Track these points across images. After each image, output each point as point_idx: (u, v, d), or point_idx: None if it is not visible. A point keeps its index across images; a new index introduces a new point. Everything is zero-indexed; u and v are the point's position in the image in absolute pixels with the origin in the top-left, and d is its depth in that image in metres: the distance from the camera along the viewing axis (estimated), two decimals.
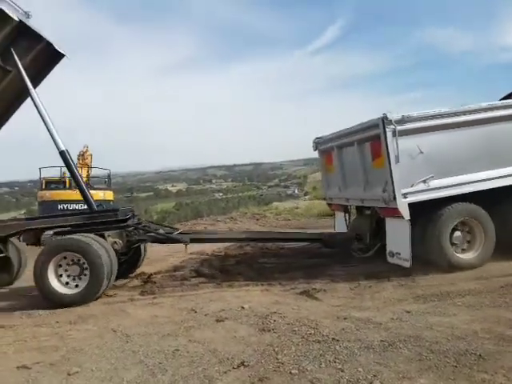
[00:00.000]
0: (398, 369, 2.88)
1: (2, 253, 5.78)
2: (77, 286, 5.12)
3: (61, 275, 5.12)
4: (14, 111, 6.45)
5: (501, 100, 6.72)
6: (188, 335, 3.84)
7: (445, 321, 3.76)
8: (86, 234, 5.24)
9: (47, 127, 5.91)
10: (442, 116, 5.57)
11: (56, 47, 5.89)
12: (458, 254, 5.61)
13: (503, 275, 5.05)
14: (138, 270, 6.60)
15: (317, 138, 7.55)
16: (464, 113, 5.65)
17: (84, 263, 5.06)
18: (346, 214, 7.32)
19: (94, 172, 18.12)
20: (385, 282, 5.23)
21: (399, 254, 5.52)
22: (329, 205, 8.05)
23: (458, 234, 5.67)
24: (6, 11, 5.09)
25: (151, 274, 6.49)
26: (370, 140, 5.87)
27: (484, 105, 5.74)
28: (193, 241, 6.23)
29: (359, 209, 7.08)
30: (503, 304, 4.10)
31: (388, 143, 5.34)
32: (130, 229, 5.76)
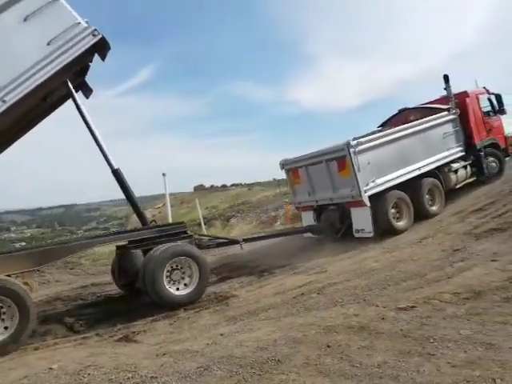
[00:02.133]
0: None
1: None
2: (185, 284, 6.08)
3: (172, 279, 5.97)
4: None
5: (378, 127, 11.37)
6: None
7: (252, 336, 4.28)
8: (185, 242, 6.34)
9: (100, 147, 6.32)
10: (374, 138, 8.89)
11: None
12: (395, 222, 8.83)
13: (295, 287, 6.07)
14: None
15: (283, 160, 10.17)
16: (385, 135, 9.05)
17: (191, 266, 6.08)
18: (315, 212, 9.97)
19: None
20: (202, 311, 5.58)
21: (363, 229, 8.55)
22: (297, 208, 10.84)
23: (393, 210, 8.88)
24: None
25: None
26: (337, 158, 8.70)
27: (397, 128, 9.38)
28: (246, 240, 7.90)
29: (323, 207, 9.76)
30: (295, 312, 4.94)
31: (352, 159, 8.30)
32: (197, 237, 6.97)
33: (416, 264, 6.28)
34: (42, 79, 5.49)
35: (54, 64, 5.56)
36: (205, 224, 19.02)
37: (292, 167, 10.09)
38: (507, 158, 11.51)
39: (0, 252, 6.03)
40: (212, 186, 71.22)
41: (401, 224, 8.96)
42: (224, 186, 66.55)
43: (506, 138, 11.52)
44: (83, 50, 5.79)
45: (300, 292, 5.76)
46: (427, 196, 9.55)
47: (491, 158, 10.92)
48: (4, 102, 5.21)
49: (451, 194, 10.29)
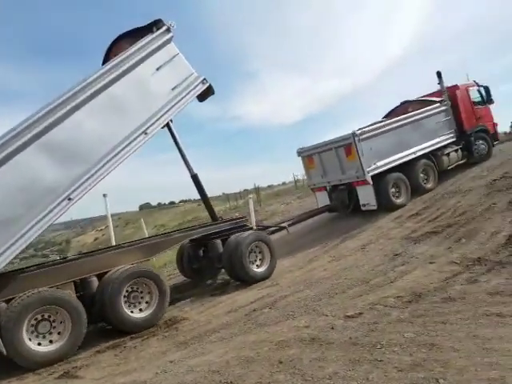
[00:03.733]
0: None
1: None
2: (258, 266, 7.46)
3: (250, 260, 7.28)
4: None
5: (382, 118, 12.94)
6: None
7: (203, 360, 4.15)
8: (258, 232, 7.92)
9: (181, 153, 7.49)
10: (376, 128, 10.51)
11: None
12: (395, 199, 10.48)
13: (247, 304, 6.00)
14: None
15: (299, 148, 11.93)
16: (385, 125, 10.70)
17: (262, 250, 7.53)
18: (326, 192, 11.70)
19: None
20: (150, 338, 5.32)
21: (369, 203, 10.22)
22: (312, 189, 12.44)
23: (393, 189, 10.48)
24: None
25: None
26: (344, 145, 10.35)
27: (395, 119, 11.03)
28: (290, 225, 9.67)
29: (334, 187, 11.44)
30: (247, 329, 4.87)
31: (357, 146, 9.94)
32: (255, 228, 8.24)
33: (361, 270, 6.50)
34: (170, 117, 6.87)
35: (177, 105, 6.88)
36: None
37: (307, 154, 11.79)
38: (496, 142, 13.21)
39: (116, 247, 6.83)
40: (159, 204, 69.55)
41: (399, 200, 10.59)
42: (172, 203, 65.30)
43: (494, 124, 13.16)
44: (196, 94, 7.25)
45: (252, 308, 5.70)
46: (422, 175, 11.21)
47: (480, 141, 12.51)
48: (146, 134, 6.35)
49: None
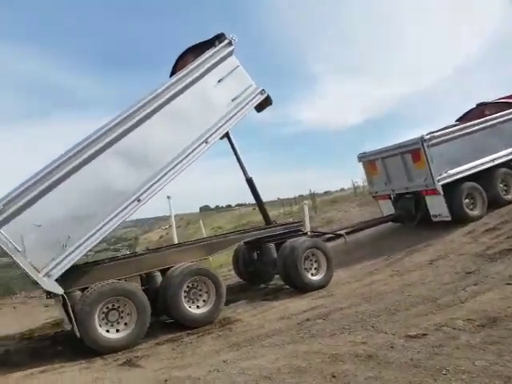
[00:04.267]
0: None
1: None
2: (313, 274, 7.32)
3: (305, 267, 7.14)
4: None
5: (455, 121, 12.14)
6: None
7: (255, 363, 4.15)
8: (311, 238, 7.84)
9: (238, 158, 7.77)
10: (447, 133, 9.76)
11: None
12: (469, 211, 9.63)
13: (299, 312, 5.89)
14: None
15: (360, 154, 11.28)
16: (458, 130, 9.91)
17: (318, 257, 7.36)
18: (390, 200, 11.07)
19: None
20: (205, 336, 5.45)
21: (441, 214, 9.48)
22: (374, 197, 11.73)
23: (467, 200, 9.69)
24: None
25: None
26: (411, 151, 9.64)
27: (469, 123, 10.10)
28: (348, 233, 9.07)
29: (399, 195, 10.81)
30: (300, 339, 4.78)
31: (426, 152, 9.21)
32: (310, 234, 8.33)
33: (427, 288, 6.09)
34: (230, 127, 7.08)
35: (236, 116, 7.07)
36: None
37: (369, 159, 11.19)
38: None
39: (177, 245, 7.48)
40: (217, 207, 71.44)
41: (474, 213, 9.68)
42: (229, 206, 66.71)
43: None
44: (255, 105, 7.39)
45: (305, 317, 5.59)
46: (501, 185, 10.24)
47: None
48: (207, 143, 6.58)
49: None
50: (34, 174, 5.20)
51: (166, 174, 6.06)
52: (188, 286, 5.95)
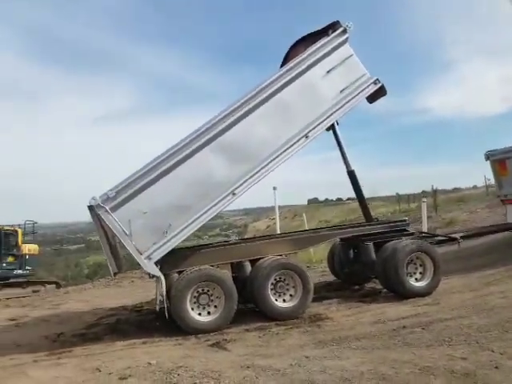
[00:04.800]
0: None
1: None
2: (416, 280, 6.70)
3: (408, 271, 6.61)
4: None
5: None
6: None
7: (338, 364, 4.02)
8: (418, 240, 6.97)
9: (342, 151, 7.57)
10: None
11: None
12: None
13: (397, 318, 5.50)
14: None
15: (489, 151, 10.07)
16: None
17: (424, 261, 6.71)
18: None
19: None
20: (293, 329, 5.45)
21: None
22: (502, 201, 10.27)
23: None
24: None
25: (61, 333, 6.18)
26: None
27: None
28: (464, 238, 8.09)
29: None
30: (392, 345, 4.47)
31: None
32: (417, 235, 7.45)
33: None
34: (335, 119, 6.83)
35: (343, 108, 6.70)
36: None
37: (498, 158, 10.01)
38: None
39: (268, 237, 7.43)
40: (326, 200, 70.30)
41: None
42: (339, 200, 64.96)
43: None
44: (366, 96, 6.99)
45: (402, 324, 5.19)
46: None
47: None
48: (307, 137, 6.39)
49: None
50: (143, 165, 5.71)
51: (262, 168, 6.10)
52: (275, 279, 6.01)
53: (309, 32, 7.02)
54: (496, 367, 3.51)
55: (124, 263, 6.81)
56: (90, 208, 5.46)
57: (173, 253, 5.89)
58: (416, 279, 6.67)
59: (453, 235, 8.34)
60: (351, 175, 7.58)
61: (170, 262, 5.92)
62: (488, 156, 10.29)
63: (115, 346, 5.34)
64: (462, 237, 8.18)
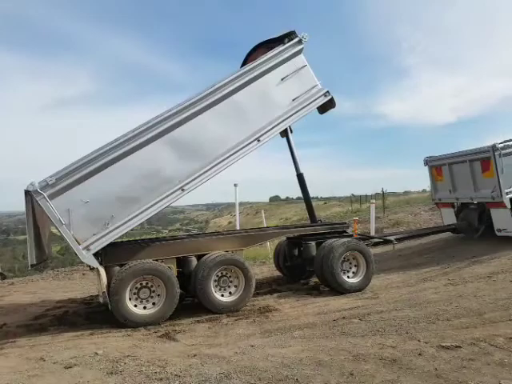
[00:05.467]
0: None
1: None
2: (349, 277, 7.10)
3: (342, 269, 7.02)
4: None
5: None
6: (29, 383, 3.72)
7: (280, 352, 4.28)
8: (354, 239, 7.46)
9: (292, 154, 7.96)
10: None
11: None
12: None
13: (339, 310, 5.88)
14: None
15: (427, 157, 10.91)
16: None
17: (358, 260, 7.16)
18: (453, 209, 10.63)
19: None
20: (242, 320, 5.67)
21: (505, 229, 8.91)
22: (436, 204, 11.42)
23: None
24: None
25: (4, 324, 6.02)
26: (481, 159, 9.12)
27: None
28: (398, 240, 8.76)
29: (463, 205, 10.41)
30: (331, 335, 4.80)
31: (497, 161, 8.64)
32: (355, 236, 7.99)
33: (478, 301, 5.70)
34: (287, 125, 6.97)
35: (294, 116, 6.88)
36: None
37: (436, 164, 10.73)
38: None
39: (215, 233, 7.68)
40: (287, 198, 71.53)
41: None
42: (299, 199, 66.33)
43: None
44: (316, 106, 7.16)
45: (342, 315, 5.56)
46: None
47: None
48: (259, 141, 6.51)
49: None
50: (88, 153, 5.49)
51: (212, 167, 6.14)
52: (217, 275, 6.15)
53: (267, 38, 7.18)
54: (419, 354, 3.90)
55: (50, 255, 6.66)
56: (27, 193, 5.29)
57: (117, 245, 5.88)
58: (348, 276, 7.07)
59: (388, 237, 8.90)
60: (300, 178, 7.96)
61: (114, 254, 5.87)
62: (427, 161, 11.07)
63: (61, 337, 5.29)
64: (397, 239, 8.79)
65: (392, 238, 8.74)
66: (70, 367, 4.08)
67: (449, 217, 10.81)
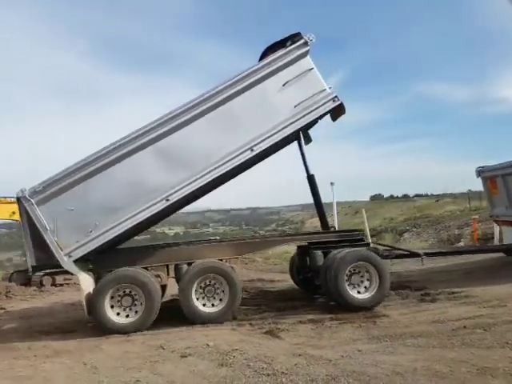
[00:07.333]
0: None
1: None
2: (359, 292, 6.23)
3: (351, 282, 6.22)
4: None
5: None
6: (152, 369, 4.12)
7: (391, 359, 4.02)
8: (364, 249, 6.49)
9: (303, 155, 7.30)
10: None
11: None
12: None
13: (458, 319, 5.30)
14: None
15: (479, 167, 9.49)
16: None
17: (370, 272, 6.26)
18: None
19: None
20: (346, 324, 5.47)
21: None
22: (495, 221, 10.06)
23: None
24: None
25: None
26: None
27: None
28: (427, 254, 7.58)
29: None
30: (449, 345, 4.35)
31: None
32: (373, 245, 7.19)
33: None
34: (286, 134, 6.26)
35: (297, 123, 6.28)
36: (373, 236, 18.19)
37: (489, 175, 9.25)
38: None
39: (207, 241, 7.32)
40: (391, 196, 67.43)
41: None
42: (405, 196, 62.01)
43: None
44: (323, 112, 6.48)
45: (462, 324, 5.01)
46: None
47: None
48: (252, 151, 6.03)
49: None
50: (75, 162, 5.59)
51: (199, 178, 5.85)
52: (201, 286, 5.97)
53: (273, 42, 6.59)
54: None
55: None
56: (18, 200, 5.53)
57: (107, 252, 5.99)
58: (359, 292, 6.20)
59: (415, 251, 7.84)
60: (310, 180, 7.31)
61: (103, 260, 5.98)
62: (479, 172, 9.46)
63: (176, 328, 5.73)
64: (426, 253, 7.63)
65: (421, 251, 7.62)
66: (185, 356, 4.40)
67: (510, 235, 9.01)
